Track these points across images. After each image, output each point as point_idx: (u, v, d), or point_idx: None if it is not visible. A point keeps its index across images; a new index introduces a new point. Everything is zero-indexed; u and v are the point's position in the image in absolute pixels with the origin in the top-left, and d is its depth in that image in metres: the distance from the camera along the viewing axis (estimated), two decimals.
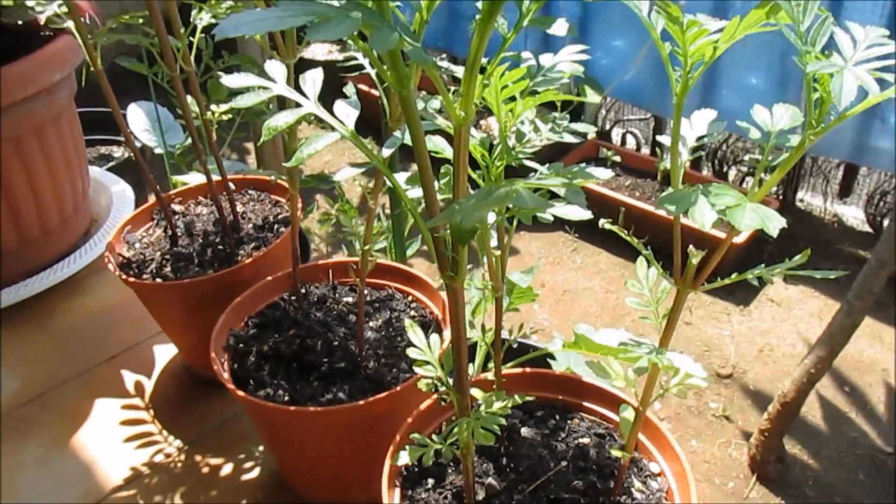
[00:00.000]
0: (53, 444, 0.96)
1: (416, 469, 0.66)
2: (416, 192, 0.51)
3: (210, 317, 0.92)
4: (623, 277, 2.90)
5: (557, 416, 0.71)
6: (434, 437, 0.55)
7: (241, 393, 0.72)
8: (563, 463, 0.66)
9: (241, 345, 0.82)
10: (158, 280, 0.92)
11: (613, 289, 2.96)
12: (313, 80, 0.47)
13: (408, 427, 0.66)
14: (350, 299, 0.90)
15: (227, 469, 0.91)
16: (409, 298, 0.89)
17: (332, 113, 0.47)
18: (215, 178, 0.95)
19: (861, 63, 0.41)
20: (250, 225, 1.00)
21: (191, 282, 0.87)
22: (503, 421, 0.50)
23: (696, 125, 0.49)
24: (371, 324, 0.85)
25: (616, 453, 0.58)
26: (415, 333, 0.55)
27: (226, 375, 0.76)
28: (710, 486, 1.79)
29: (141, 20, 0.83)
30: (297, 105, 0.46)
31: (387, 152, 0.56)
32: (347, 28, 0.31)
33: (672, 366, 0.48)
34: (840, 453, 2.26)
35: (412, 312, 0.86)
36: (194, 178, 1.35)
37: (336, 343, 0.81)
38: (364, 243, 0.72)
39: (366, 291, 0.91)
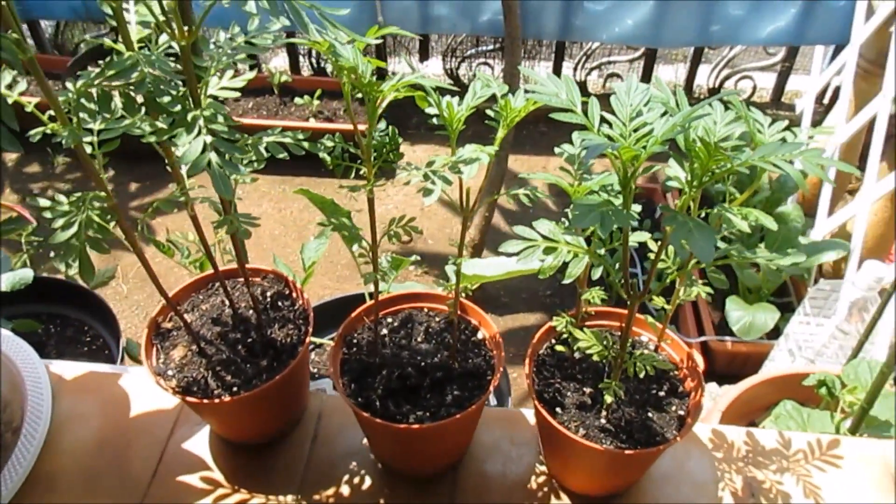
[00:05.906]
0: None
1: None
2: None
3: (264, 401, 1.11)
4: (285, 193, 3.41)
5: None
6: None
7: (417, 426, 1.01)
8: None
9: (361, 399, 1.07)
10: (235, 389, 1.06)
11: (284, 206, 3.47)
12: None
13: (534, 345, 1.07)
14: (385, 330, 1.17)
15: (346, 490, 1.16)
16: (426, 311, 1.20)
17: None
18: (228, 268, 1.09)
19: None
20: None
21: (275, 381, 1.05)
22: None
23: None
24: (419, 338, 1.16)
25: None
26: (581, 335, 0.94)
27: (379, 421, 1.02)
28: None
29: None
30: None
31: None
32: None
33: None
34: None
35: (438, 319, 1.19)
36: None
37: (422, 364, 1.11)
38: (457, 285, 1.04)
39: (390, 319, 1.20)
